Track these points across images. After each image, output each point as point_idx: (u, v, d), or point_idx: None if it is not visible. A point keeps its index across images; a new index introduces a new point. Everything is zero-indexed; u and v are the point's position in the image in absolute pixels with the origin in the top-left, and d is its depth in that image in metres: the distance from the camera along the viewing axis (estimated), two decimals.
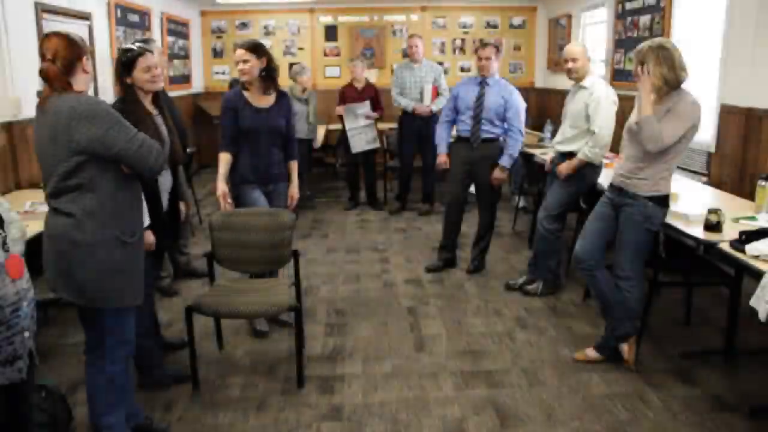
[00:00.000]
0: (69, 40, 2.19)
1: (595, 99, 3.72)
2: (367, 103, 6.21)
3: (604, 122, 3.72)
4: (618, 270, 3.09)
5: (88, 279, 2.18)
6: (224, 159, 3.45)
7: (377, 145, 6.46)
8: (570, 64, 3.82)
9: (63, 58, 2.15)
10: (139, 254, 2.35)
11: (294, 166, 3.64)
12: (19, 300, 1.76)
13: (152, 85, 2.70)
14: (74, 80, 2.18)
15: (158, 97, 2.82)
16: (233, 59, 3.40)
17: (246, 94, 3.44)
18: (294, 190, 3.64)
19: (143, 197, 2.47)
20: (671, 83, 2.85)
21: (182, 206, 3.13)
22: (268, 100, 3.46)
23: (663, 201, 2.97)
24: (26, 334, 1.81)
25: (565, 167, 3.86)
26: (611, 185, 3.14)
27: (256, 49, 3.37)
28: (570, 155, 3.88)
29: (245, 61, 3.34)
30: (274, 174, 3.54)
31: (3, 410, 1.82)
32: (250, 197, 3.46)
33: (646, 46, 2.90)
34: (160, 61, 3.38)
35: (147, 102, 2.74)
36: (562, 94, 7.35)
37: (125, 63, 2.67)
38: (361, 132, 6.27)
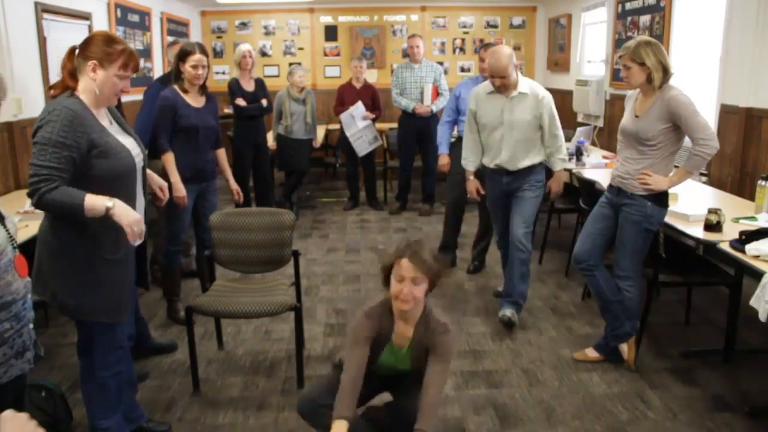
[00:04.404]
0: (87, 41, 2.14)
1: (547, 105, 3.54)
2: (359, 104, 6.20)
3: (559, 123, 3.63)
4: (618, 270, 3.09)
5: (59, 287, 2.15)
6: (172, 158, 3.51)
7: (380, 143, 6.47)
8: (499, 81, 3.48)
9: (78, 57, 2.13)
10: (123, 272, 2.26)
11: (223, 153, 3.83)
12: (26, 293, 1.78)
13: None
14: (81, 81, 2.14)
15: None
16: (193, 61, 3.47)
17: (183, 95, 3.53)
18: (234, 184, 3.87)
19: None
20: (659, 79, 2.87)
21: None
22: (202, 101, 3.60)
23: (661, 200, 2.97)
24: (30, 325, 1.82)
25: (558, 186, 3.75)
26: (610, 186, 3.14)
27: (207, 55, 3.56)
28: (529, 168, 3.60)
29: (204, 67, 3.51)
30: (208, 171, 3.68)
31: (12, 401, 1.84)
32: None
33: (639, 42, 2.88)
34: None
35: None
36: (562, 94, 7.38)
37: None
38: (362, 135, 6.26)
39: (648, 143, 2.90)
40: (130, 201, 2.22)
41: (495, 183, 3.72)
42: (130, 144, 2.28)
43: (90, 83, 2.12)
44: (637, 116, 2.96)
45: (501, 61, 3.42)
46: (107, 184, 2.12)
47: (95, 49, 2.11)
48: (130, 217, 2.07)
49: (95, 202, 2.03)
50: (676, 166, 3.02)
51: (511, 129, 3.54)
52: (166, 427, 2.66)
